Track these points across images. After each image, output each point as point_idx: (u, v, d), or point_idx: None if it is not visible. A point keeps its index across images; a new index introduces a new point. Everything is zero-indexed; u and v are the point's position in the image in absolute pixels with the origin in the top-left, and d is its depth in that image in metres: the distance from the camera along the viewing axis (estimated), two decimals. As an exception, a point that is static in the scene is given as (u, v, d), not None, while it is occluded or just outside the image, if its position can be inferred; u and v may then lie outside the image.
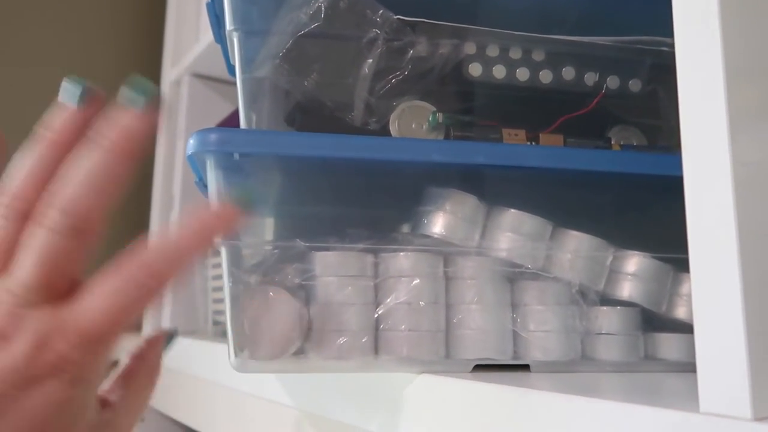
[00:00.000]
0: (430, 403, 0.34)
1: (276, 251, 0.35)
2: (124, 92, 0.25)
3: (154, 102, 0.26)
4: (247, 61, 0.37)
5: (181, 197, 0.90)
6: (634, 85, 0.40)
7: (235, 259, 0.35)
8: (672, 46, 0.41)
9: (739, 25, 0.25)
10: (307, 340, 0.35)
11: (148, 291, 0.24)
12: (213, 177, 0.34)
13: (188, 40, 0.94)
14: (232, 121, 0.81)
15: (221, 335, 0.76)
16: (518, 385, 0.33)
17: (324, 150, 0.33)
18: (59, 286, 0.24)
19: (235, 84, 1.02)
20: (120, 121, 0.25)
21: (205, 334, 0.79)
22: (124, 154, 0.25)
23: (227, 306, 0.35)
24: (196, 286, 0.87)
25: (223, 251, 0.34)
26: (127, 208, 1.08)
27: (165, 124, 0.95)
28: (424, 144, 0.34)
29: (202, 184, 0.41)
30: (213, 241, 0.26)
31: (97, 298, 0.24)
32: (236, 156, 0.33)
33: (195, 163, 0.35)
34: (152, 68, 1.02)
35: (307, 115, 0.37)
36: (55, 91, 0.26)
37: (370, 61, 0.37)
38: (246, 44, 0.36)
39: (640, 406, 0.24)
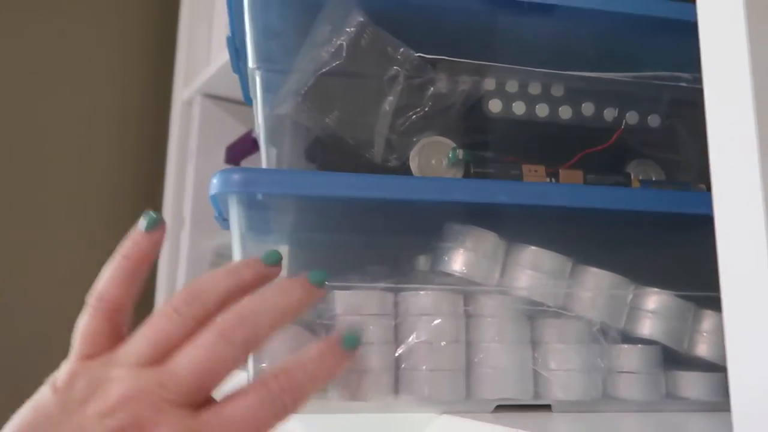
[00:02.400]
0: (452, 444, 0.34)
1: (297, 290, 0.35)
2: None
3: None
4: (269, 98, 0.37)
5: (191, 219, 0.90)
6: (653, 121, 0.40)
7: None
8: (690, 81, 0.41)
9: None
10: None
11: (284, 408, 0.26)
12: (235, 214, 0.34)
13: (200, 61, 0.94)
14: (244, 142, 0.82)
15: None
16: (540, 428, 0.33)
17: (346, 190, 0.33)
18: (206, 392, 0.26)
19: (247, 105, 1.02)
20: None
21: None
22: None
23: (247, 345, 0.35)
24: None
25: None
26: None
27: (176, 144, 0.96)
28: (445, 183, 0.34)
29: (222, 218, 0.41)
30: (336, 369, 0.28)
31: (238, 411, 0.26)
32: (259, 196, 0.33)
33: (217, 200, 0.35)
34: (164, 88, 1.02)
35: (328, 151, 0.37)
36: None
37: (391, 98, 0.37)
38: (268, 81, 0.36)
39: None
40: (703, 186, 0.41)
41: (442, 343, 0.35)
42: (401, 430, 0.36)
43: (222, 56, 0.84)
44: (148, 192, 1.02)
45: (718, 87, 0.26)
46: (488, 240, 0.37)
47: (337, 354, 0.28)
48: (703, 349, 0.39)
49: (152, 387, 0.25)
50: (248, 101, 0.53)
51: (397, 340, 0.36)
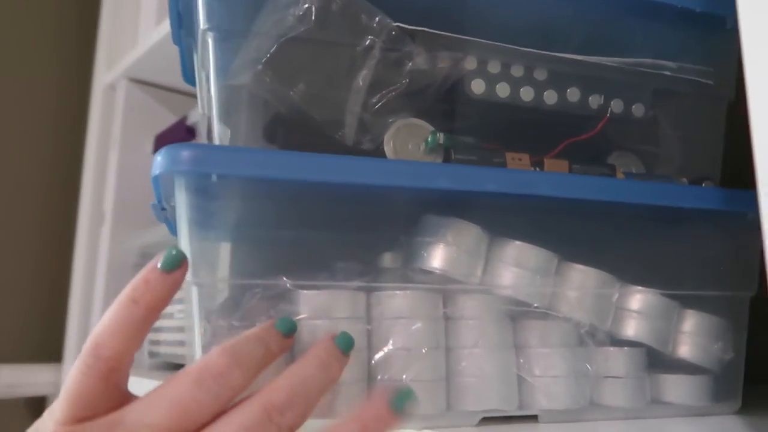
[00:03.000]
0: (433, 464, 0.30)
1: (256, 290, 0.30)
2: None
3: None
4: (223, 67, 0.31)
5: (113, 215, 0.81)
6: (637, 110, 0.38)
7: (209, 300, 0.29)
8: (674, 70, 0.40)
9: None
10: (291, 395, 0.30)
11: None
12: (184, 201, 0.28)
13: (125, 42, 0.86)
14: (176, 131, 0.74)
15: (158, 369, 0.68)
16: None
17: (319, 173, 0.28)
18: None
19: (178, 92, 0.94)
20: None
21: (139, 366, 0.71)
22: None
23: (197, 356, 0.29)
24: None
25: (194, 290, 0.29)
26: (49, 225, 0.97)
27: (97, 132, 0.87)
28: (430, 168, 0.30)
29: (160, 207, 0.35)
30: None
31: None
32: (214, 178, 0.27)
33: (158, 183, 0.30)
34: (83, 71, 0.93)
35: (291, 131, 0.32)
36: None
37: (365, 72, 0.32)
38: (222, 47, 0.31)
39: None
40: (684, 180, 0.39)
41: (423, 350, 0.31)
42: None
43: (151, 36, 0.77)
44: (63, 183, 0.92)
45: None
46: (471, 234, 0.33)
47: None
48: (686, 351, 0.37)
49: None
50: (188, 80, 0.47)
51: (371, 347, 0.31)
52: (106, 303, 0.81)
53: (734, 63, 0.40)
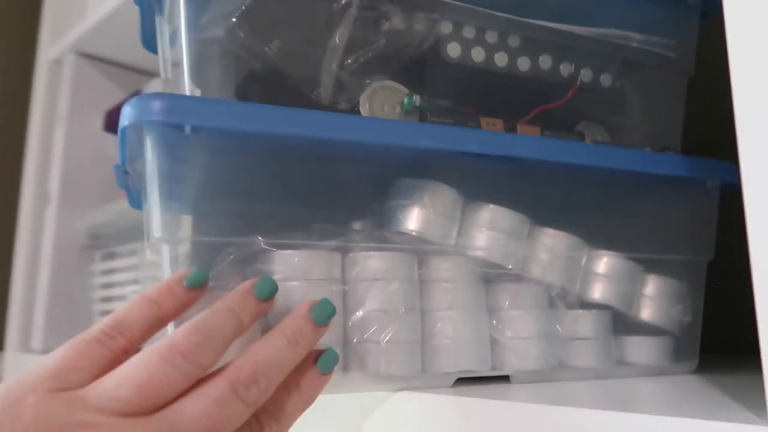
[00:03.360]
0: (410, 425, 0.30)
1: (230, 250, 0.29)
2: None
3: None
4: (193, 20, 0.30)
5: (59, 195, 0.77)
6: (605, 80, 0.39)
7: (179, 258, 0.28)
8: (640, 42, 0.41)
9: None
10: (267, 357, 0.29)
11: (254, 404, 0.24)
12: (154, 156, 0.27)
13: (72, 14, 0.82)
14: (128, 106, 0.71)
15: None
16: (503, 398, 0.30)
17: (300, 127, 0.27)
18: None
19: (130, 68, 0.90)
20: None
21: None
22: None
23: (167, 317, 0.28)
24: (75, 297, 0.75)
25: (165, 249, 0.28)
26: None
27: (41, 108, 0.82)
28: (413, 127, 0.30)
29: (122, 170, 0.34)
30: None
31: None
32: (188, 130, 0.26)
33: (126, 139, 0.28)
34: (27, 45, 0.88)
35: (266, 88, 0.31)
36: None
37: (342, 29, 0.32)
38: (193, -2, 0.30)
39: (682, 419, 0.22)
40: (648, 149, 0.40)
41: (400, 311, 0.31)
42: (350, 411, 0.31)
43: (100, 8, 0.73)
44: (4, 163, 0.87)
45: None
46: (447, 196, 0.33)
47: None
48: (647, 314, 0.39)
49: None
50: (147, 44, 0.45)
51: (347, 309, 0.31)
52: (52, 288, 0.77)
53: (695, 37, 0.41)
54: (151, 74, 0.82)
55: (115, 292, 0.69)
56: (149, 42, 0.44)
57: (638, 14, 0.39)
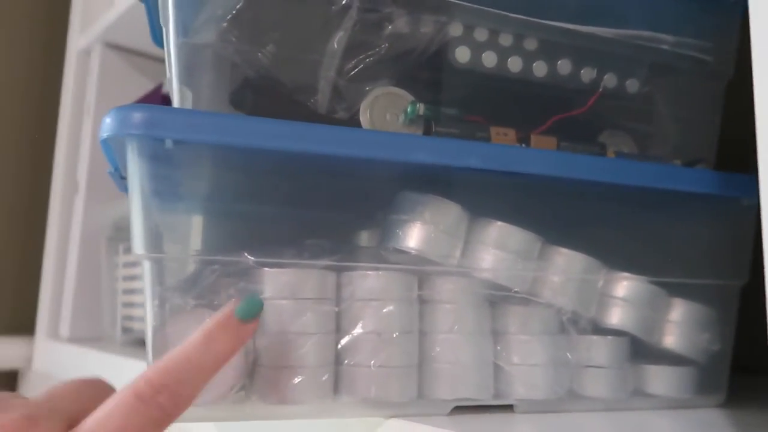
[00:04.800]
0: (402, 455, 0.29)
1: (216, 267, 0.27)
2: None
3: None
4: (184, 23, 0.29)
5: (87, 185, 0.78)
6: (632, 86, 0.36)
7: (162, 275, 0.27)
8: (672, 44, 0.37)
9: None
10: (251, 380, 0.28)
11: (162, 412, 0.23)
12: (136, 168, 0.26)
13: (100, 4, 0.82)
14: (152, 99, 0.71)
15: (132, 345, 0.66)
16: (502, 429, 0.28)
17: (284, 141, 0.26)
18: None
19: (156, 58, 0.90)
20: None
21: (112, 342, 0.69)
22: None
23: (148, 335, 0.27)
24: (102, 287, 0.76)
25: (146, 265, 0.27)
26: (22, 196, 0.94)
27: (71, 99, 0.83)
28: (406, 140, 0.28)
29: (118, 176, 0.33)
30: (225, 357, 0.24)
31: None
32: (169, 144, 0.25)
33: (110, 148, 0.27)
34: (57, 35, 0.89)
35: (260, 96, 0.30)
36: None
37: (341, 34, 0.30)
38: (183, 0, 0.28)
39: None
40: (678, 161, 0.37)
41: (394, 335, 0.29)
42: (340, 438, 0.30)
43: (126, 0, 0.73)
44: (36, 152, 0.89)
45: None
46: (450, 212, 0.31)
47: (231, 330, 0.24)
48: (671, 341, 0.36)
49: None
50: (157, 41, 0.44)
51: (340, 330, 0.29)
52: (80, 277, 0.79)
53: (735, 39, 0.38)
54: (178, 66, 0.82)
55: (136, 285, 0.70)
56: (158, 38, 0.43)
57: (670, 14, 0.36)
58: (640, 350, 0.35)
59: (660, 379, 0.35)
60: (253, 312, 0.25)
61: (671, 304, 0.36)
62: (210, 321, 0.24)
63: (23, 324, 0.86)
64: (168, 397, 0.22)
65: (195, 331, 0.24)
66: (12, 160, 0.88)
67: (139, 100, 0.76)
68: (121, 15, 0.75)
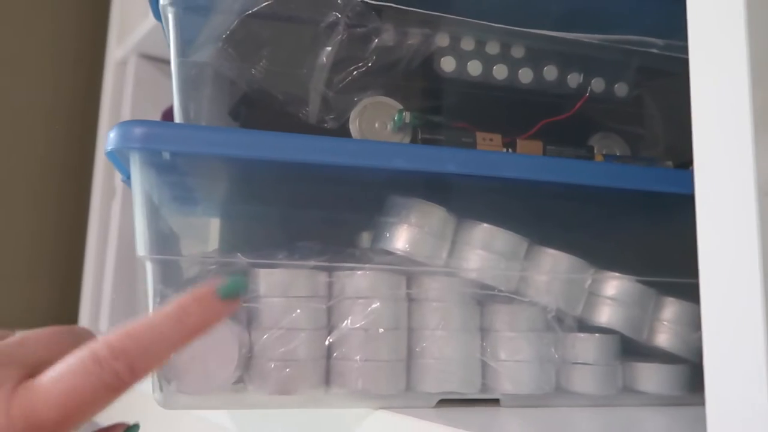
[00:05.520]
0: (387, 444, 0.30)
1: (213, 267, 0.30)
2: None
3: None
4: (184, 43, 0.31)
5: (123, 190, 0.83)
6: (620, 90, 0.37)
7: (164, 275, 0.29)
8: (662, 47, 0.38)
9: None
10: (246, 371, 0.30)
11: (117, 378, 0.21)
12: (138, 177, 0.29)
13: (136, 16, 0.86)
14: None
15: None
16: (487, 425, 0.29)
17: (270, 151, 0.28)
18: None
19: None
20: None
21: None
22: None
23: (152, 330, 0.30)
24: (139, 289, 0.80)
25: (149, 266, 0.29)
26: (64, 200, 0.99)
27: (108, 109, 0.88)
28: (386, 148, 0.30)
29: (130, 183, 0.36)
30: (195, 332, 0.23)
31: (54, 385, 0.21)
32: (166, 155, 0.27)
33: (117, 159, 0.30)
34: (96, 47, 0.94)
35: (254, 108, 0.32)
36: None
37: (329, 48, 0.32)
38: (183, 22, 0.31)
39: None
40: (669, 163, 0.38)
41: (380, 330, 0.31)
42: (331, 427, 0.32)
43: (159, 12, 0.77)
44: (77, 160, 0.94)
45: (707, 44, 0.22)
46: (435, 215, 0.33)
47: (207, 306, 0.22)
48: (663, 339, 0.36)
49: None
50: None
51: (329, 325, 0.31)
52: (117, 277, 0.83)
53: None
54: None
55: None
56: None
57: (658, 17, 0.36)
58: (632, 348, 0.36)
59: (651, 377, 0.36)
60: (235, 291, 0.23)
61: (663, 302, 0.36)
62: (188, 293, 0.23)
63: (65, 323, 0.91)
64: (125, 364, 0.21)
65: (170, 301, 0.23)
66: (56, 168, 0.93)
67: (169, 109, 0.80)
68: (154, 26, 0.79)
